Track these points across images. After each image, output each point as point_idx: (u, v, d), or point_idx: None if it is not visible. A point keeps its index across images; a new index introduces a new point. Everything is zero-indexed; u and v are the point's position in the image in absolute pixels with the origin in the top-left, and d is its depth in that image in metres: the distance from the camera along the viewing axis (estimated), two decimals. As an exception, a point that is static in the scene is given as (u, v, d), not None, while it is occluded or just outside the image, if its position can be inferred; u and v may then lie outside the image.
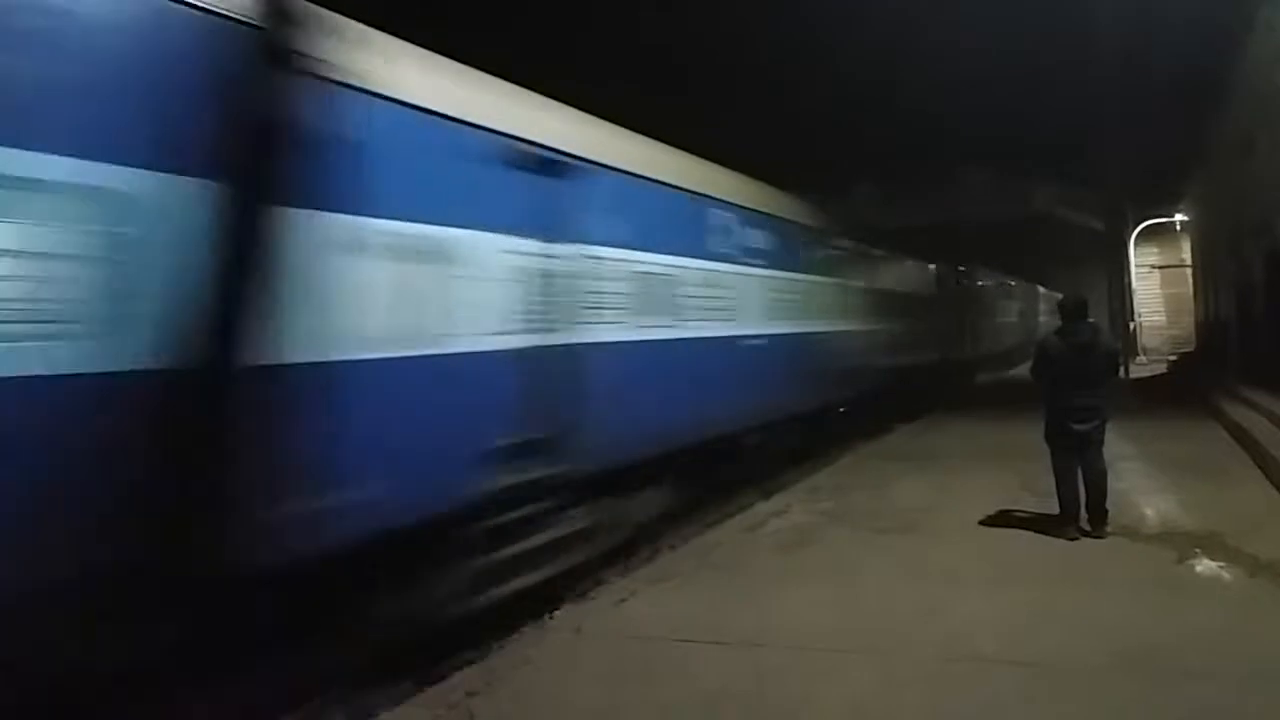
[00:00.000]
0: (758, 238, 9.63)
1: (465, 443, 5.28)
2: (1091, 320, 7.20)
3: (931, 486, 9.28)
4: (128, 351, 3.56)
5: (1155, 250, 32.66)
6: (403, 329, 4.86)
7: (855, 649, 4.81)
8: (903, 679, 4.39)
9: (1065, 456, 7.02)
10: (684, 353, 7.96)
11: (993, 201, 31.72)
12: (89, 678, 3.45)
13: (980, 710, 4.03)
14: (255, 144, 4.08)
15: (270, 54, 4.16)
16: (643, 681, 4.51)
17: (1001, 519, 7.56)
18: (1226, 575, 5.88)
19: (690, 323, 8.09)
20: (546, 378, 5.87)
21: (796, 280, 10.66)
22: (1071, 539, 6.80)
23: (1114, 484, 7.20)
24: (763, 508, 8.69)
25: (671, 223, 8.04)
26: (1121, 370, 8.58)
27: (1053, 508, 7.10)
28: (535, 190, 5.86)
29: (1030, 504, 7.75)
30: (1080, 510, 6.95)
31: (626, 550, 7.36)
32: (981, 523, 7.50)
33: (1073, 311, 7.05)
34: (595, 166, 6.63)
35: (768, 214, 10.04)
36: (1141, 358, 27.63)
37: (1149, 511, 7.71)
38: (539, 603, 5.85)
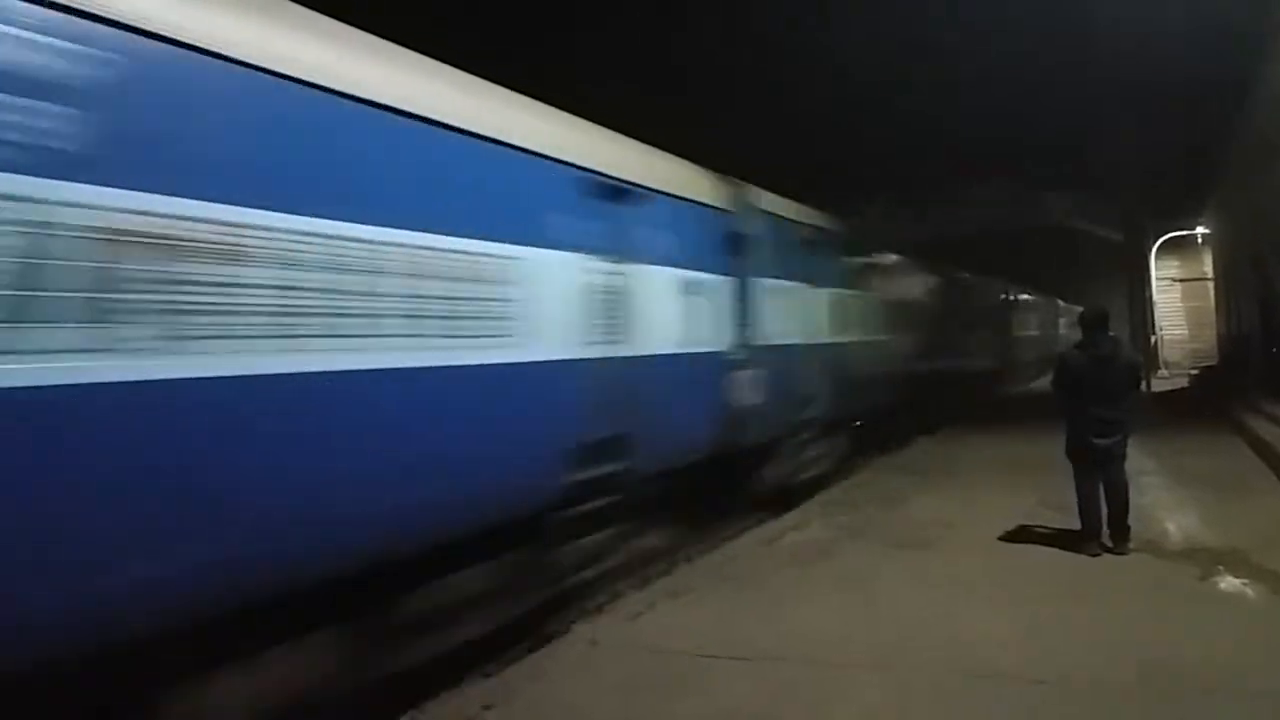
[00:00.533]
0: (801, 254, 10.02)
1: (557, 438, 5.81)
2: (1113, 333, 7.15)
3: (950, 501, 9.22)
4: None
5: (1176, 263, 32.41)
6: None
7: (872, 665, 4.77)
8: (920, 695, 4.35)
9: (1087, 471, 6.96)
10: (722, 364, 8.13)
11: (1012, 214, 31.58)
12: None
13: (1000, 728, 3.99)
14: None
15: None
16: (659, 696, 4.49)
17: (1021, 534, 7.50)
18: (1250, 592, 5.81)
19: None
20: (614, 385, 6.27)
21: (824, 293, 10.78)
22: (1093, 555, 6.74)
23: (1136, 499, 7.13)
24: (780, 521, 8.66)
25: (708, 241, 8.16)
26: (1143, 384, 8.49)
27: (1074, 523, 7.04)
28: (607, 216, 6.44)
29: (1051, 519, 7.68)
30: (1102, 526, 6.88)
31: (644, 561, 7.35)
32: (1001, 538, 7.44)
33: (1093, 324, 7.00)
34: (650, 193, 7.17)
35: (806, 230, 10.36)
36: (1163, 371, 27.40)
37: (1171, 527, 7.63)
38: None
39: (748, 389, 8.26)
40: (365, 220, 4.32)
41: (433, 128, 4.88)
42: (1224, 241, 24.93)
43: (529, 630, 5.79)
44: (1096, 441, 6.84)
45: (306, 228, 4.00)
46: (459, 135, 5.09)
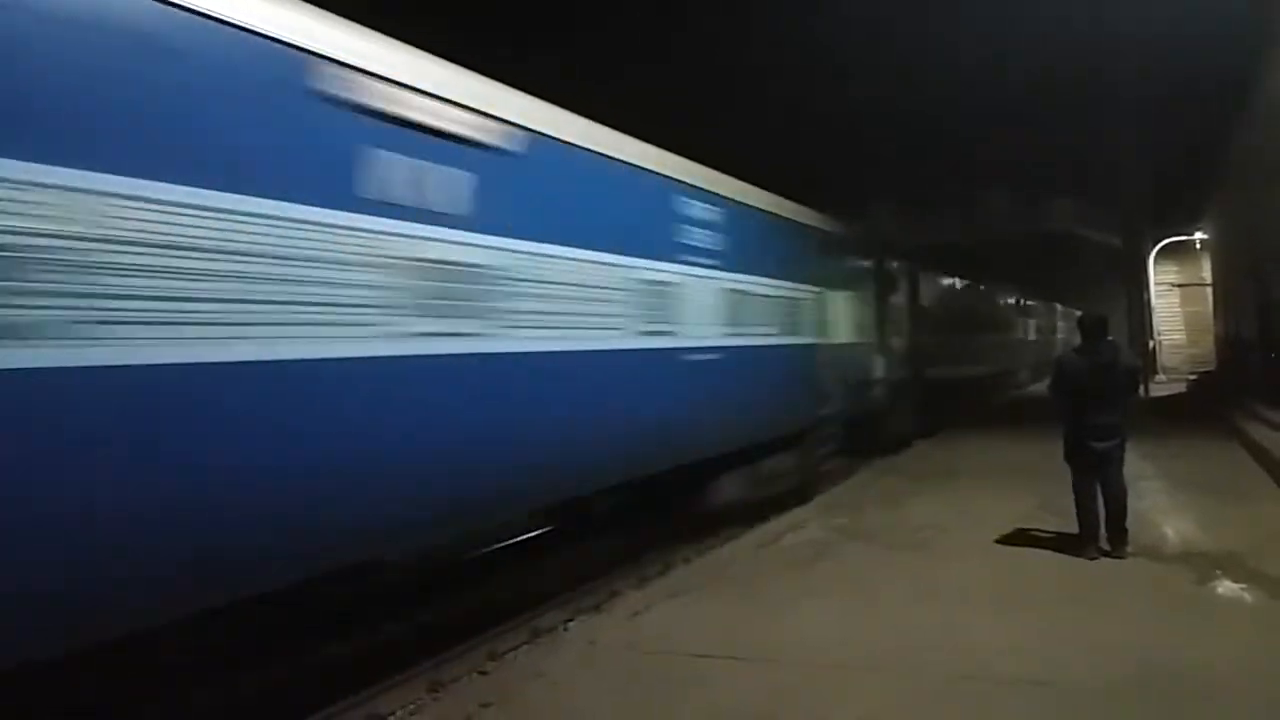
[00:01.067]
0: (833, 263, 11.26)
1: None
2: (1111, 338, 7.16)
3: (948, 504, 9.22)
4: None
5: (1174, 268, 32.46)
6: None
7: (869, 667, 4.77)
8: (917, 698, 4.35)
9: (1085, 475, 6.97)
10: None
11: (1011, 219, 31.62)
12: None
13: (998, 730, 3.99)
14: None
15: None
16: (657, 696, 4.49)
17: (1019, 538, 7.50)
18: (1248, 597, 5.81)
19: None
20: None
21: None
22: (1091, 559, 6.74)
23: (1134, 503, 7.13)
24: (778, 523, 8.66)
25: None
26: (1141, 389, 8.50)
27: (1072, 527, 7.04)
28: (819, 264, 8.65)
29: (1049, 523, 7.69)
30: (1100, 530, 6.89)
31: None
32: (998, 541, 7.45)
33: (1092, 329, 7.00)
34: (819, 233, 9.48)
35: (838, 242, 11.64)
36: (1161, 376, 27.41)
37: (1169, 531, 7.64)
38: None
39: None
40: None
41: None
42: (1222, 247, 24.96)
43: (527, 628, 5.80)
44: (1094, 445, 6.84)
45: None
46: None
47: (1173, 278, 32.74)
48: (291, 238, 3.96)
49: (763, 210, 9.25)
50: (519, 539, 7.90)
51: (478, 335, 5.04)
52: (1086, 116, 24.38)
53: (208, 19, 3.68)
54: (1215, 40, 16.91)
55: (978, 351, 20.28)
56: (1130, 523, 6.92)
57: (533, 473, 5.57)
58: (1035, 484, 9.16)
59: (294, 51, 4.07)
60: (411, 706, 4.60)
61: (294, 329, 3.96)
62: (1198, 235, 29.25)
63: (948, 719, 4.15)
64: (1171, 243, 30.02)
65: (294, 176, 4.03)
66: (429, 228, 4.73)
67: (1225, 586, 6.03)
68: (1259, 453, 11.20)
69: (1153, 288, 29.66)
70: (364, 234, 4.33)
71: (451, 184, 4.92)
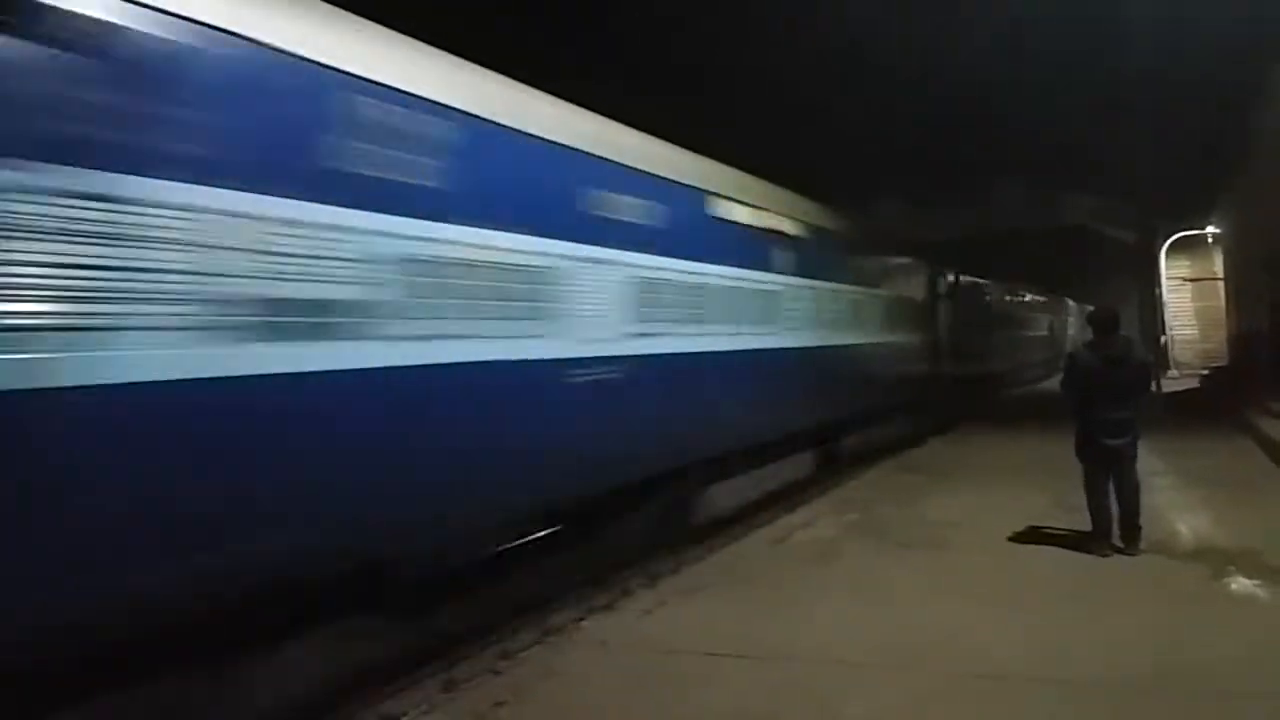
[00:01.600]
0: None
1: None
2: (1123, 333, 7.13)
3: (960, 501, 9.20)
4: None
5: (1186, 263, 32.26)
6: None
7: (882, 664, 4.77)
8: (930, 695, 4.35)
9: (1097, 472, 6.94)
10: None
11: (1023, 214, 31.51)
12: None
13: (1011, 728, 3.99)
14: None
15: None
16: (668, 693, 4.50)
17: (1031, 535, 7.48)
18: (1261, 593, 5.79)
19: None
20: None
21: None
22: (1104, 555, 6.72)
23: (1147, 499, 7.10)
24: (789, 520, 8.66)
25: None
26: (1153, 384, 8.46)
27: (1084, 524, 7.02)
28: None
29: (1061, 520, 7.67)
30: (1113, 526, 6.86)
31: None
32: (1011, 539, 7.43)
33: (1104, 324, 6.98)
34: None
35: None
36: (1173, 372, 27.27)
37: (1182, 528, 7.61)
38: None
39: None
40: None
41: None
42: (1235, 241, 24.80)
43: (540, 627, 5.81)
44: (1107, 442, 6.82)
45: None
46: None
47: (1185, 272, 32.54)
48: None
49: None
50: (529, 539, 7.91)
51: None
52: (1100, 111, 24.28)
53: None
54: (1231, 32, 16.81)
55: (975, 349, 20.47)
56: (1143, 519, 6.90)
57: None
58: (1048, 480, 9.13)
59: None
60: (425, 706, 4.61)
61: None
62: (1210, 229, 29.08)
63: (960, 717, 4.15)
64: (1183, 237, 29.87)
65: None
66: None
67: (1239, 583, 6.01)
68: (1272, 448, 11.15)
69: (1164, 282, 29.51)
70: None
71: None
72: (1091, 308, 7.66)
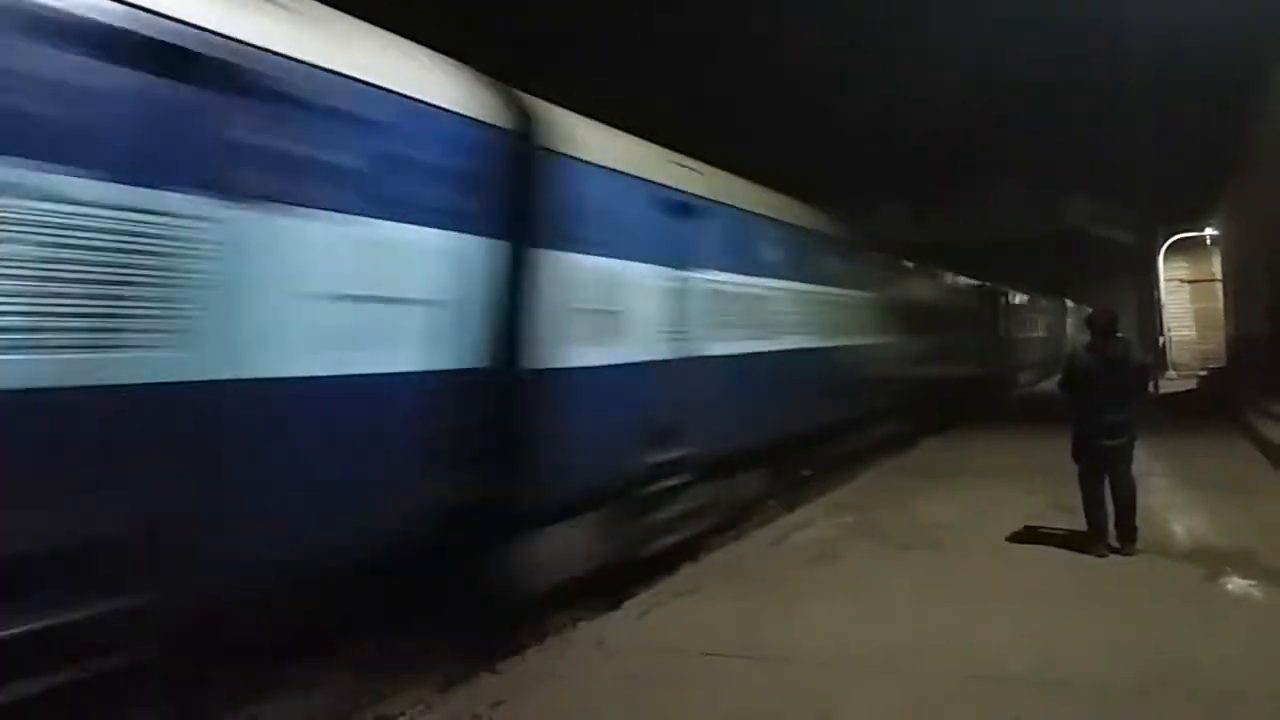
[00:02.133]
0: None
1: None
2: (1121, 335, 7.14)
3: (957, 502, 9.21)
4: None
5: (1185, 264, 32.26)
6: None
7: (880, 666, 4.78)
8: (927, 697, 4.36)
9: (1093, 472, 6.96)
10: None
11: (1023, 216, 31.54)
12: None
13: (1006, 728, 4.00)
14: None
15: None
16: (666, 694, 4.51)
17: (1028, 536, 7.50)
18: (1257, 594, 5.81)
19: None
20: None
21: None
22: (1100, 556, 6.74)
23: (1143, 500, 7.11)
24: (787, 521, 8.67)
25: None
26: (1151, 386, 8.47)
27: (1081, 525, 7.03)
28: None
29: (1058, 521, 7.68)
30: (1109, 527, 6.88)
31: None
32: (1008, 539, 7.44)
33: (1102, 326, 6.99)
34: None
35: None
36: (1171, 373, 27.29)
37: (1178, 528, 7.63)
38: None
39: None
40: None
41: None
42: (1234, 243, 24.81)
43: (537, 628, 5.82)
44: (1104, 443, 6.83)
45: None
46: None
47: (1183, 274, 32.55)
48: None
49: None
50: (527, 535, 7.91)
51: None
52: (1100, 112, 24.31)
53: None
54: (1231, 33, 16.82)
55: (971, 351, 20.87)
56: (1139, 520, 6.91)
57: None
58: (1044, 481, 9.13)
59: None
60: (421, 706, 4.62)
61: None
62: (1209, 231, 29.08)
63: (957, 718, 4.16)
64: (1182, 238, 29.87)
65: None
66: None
67: (1235, 583, 6.03)
68: (1269, 450, 11.16)
69: (1163, 284, 29.53)
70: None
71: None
72: (1090, 309, 7.66)
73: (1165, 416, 15.26)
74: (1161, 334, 28.42)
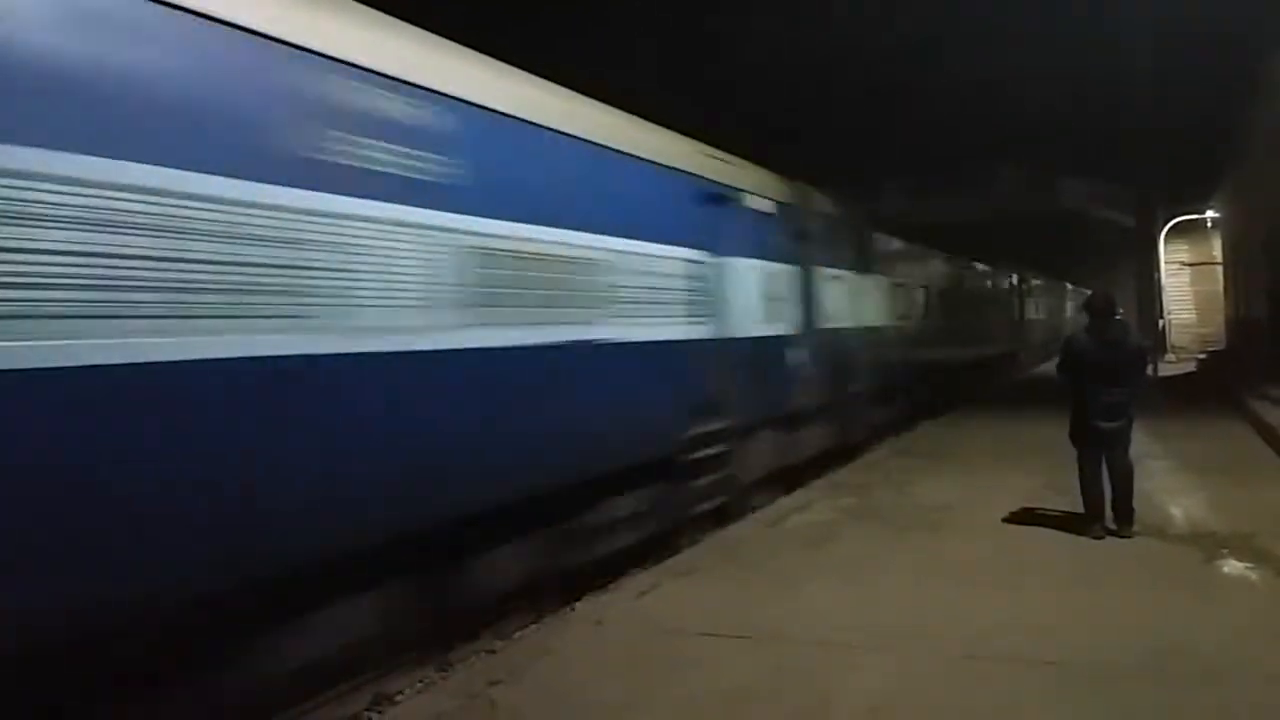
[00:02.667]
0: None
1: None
2: (1120, 318, 7.12)
3: (955, 484, 9.24)
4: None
5: (1185, 247, 32.24)
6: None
7: (877, 646, 4.79)
8: (924, 676, 4.38)
9: (1091, 455, 6.96)
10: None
11: (1022, 198, 31.43)
12: None
13: (1001, 710, 4.01)
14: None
15: None
16: (665, 675, 4.52)
17: (1025, 517, 7.52)
18: (1254, 576, 5.82)
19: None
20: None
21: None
22: (1097, 538, 6.75)
23: (1140, 483, 7.13)
24: (784, 503, 8.69)
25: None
26: (1150, 368, 8.47)
27: (1078, 507, 7.05)
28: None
29: (1055, 502, 7.70)
30: (1106, 509, 6.89)
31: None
32: (1005, 521, 7.47)
33: (1101, 309, 6.98)
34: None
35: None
36: (1170, 356, 27.32)
37: (1175, 511, 7.64)
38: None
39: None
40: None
41: None
42: (1234, 226, 24.77)
43: (535, 607, 5.84)
44: (1102, 425, 6.84)
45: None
46: None
47: (1184, 256, 32.53)
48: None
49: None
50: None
51: None
52: (1101, 93, 24.20)
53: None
54: (1232, 15, 16.73)
55: (971, 333, 21.04)
56: (1136, 502, 6.93)
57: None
58: (1041, 463, 9.16)
59: None
60: (420, 685, 4.64)
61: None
62: (1209, 214, 29.02)
63: (954, 698, 4.17)
64: (1182, 221, 29.81)
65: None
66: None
67: (1231, 566, 6.04)
68: (1267, 433, 11.18)
69: (1163, 267, 29.49)
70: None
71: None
72: (1090, 291, 7.65)
73: (1164, 399, 15.28)
74: (1161, 316, 28.40)
